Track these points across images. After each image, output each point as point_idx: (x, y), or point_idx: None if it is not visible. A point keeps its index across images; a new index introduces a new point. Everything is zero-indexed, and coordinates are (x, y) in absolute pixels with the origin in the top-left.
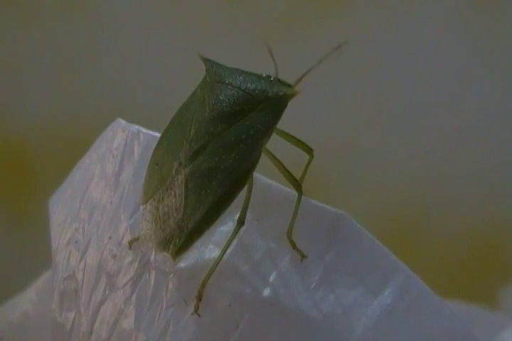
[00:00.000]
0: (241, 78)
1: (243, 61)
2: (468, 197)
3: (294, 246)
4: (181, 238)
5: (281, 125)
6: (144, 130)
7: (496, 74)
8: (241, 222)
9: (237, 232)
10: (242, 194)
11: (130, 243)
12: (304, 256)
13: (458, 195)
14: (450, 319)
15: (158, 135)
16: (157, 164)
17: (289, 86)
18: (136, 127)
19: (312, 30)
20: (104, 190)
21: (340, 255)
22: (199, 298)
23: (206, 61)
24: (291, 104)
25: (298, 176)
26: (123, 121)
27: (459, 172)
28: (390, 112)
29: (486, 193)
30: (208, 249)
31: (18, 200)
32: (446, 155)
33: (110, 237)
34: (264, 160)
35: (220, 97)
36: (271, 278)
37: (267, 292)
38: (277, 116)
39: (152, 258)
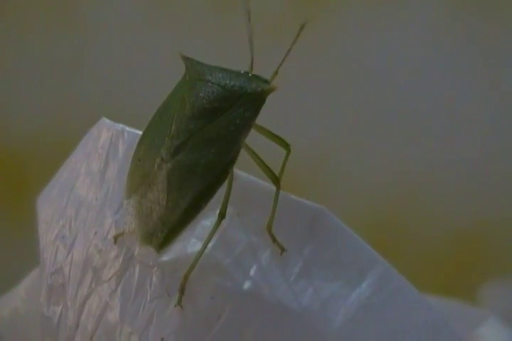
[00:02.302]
0: (220, 75)
1: (232, 65)
2: (452, 195)
3: (274, 239)
4: (164, 232)
5: (264, 124)
6: (128, 128)
7: (481, 77)
8: (222, 215)
9: (218, 225)
10: (223, 188)
11: (115, 238)
12: (283, 250)
13: (441, 193)
14: (427, 311)
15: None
16: (139, 160)
17: (266, 82)
18: (120, 126)
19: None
20: (90, 187)
21: (319, 248)
22: (182, 290)
23: (186, 59)
24: (277, 103)
25: (277, 172)
26: (108, 120)
27: (443, 172)
28: (376, 113)
29: (469, 192)
30: (190, 243)
31: (7, 199)
32: (431, 156)
33: (96, 233)
34: (244, 155)
35: (200, 94)
36: (252, 272)
37: (247, 285)
38: (256, 112)
39: (136, 252)
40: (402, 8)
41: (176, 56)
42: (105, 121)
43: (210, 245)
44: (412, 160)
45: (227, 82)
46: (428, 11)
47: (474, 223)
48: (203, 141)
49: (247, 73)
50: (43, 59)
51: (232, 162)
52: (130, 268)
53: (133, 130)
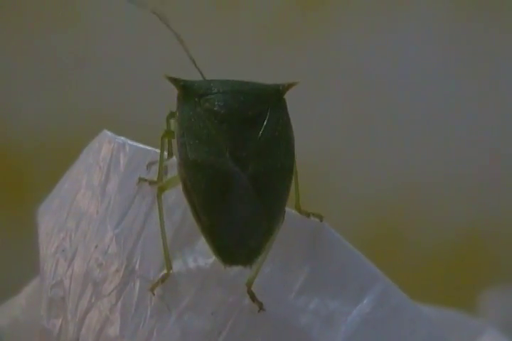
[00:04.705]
0: (234, 84)
1: (232, 63)
2: (449, 204)
3: (253, 298)
4: (265, 241)
5: None
6: (130, 142)
7: (479, 80)
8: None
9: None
10: None
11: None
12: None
13: (438, 202)
14: (429, 328)
15: (143, 147)
16: (205, 184)
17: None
18: (122, 139)
19: (298, 39)
20: (91, 200)
21: (320, 265)
22: (253, 298)
23: (175, 80)
24: None
25: None
26: (109, 133)
27: (440, 180)
28: (374, 121)
29: (466, 201)
30: (191, 257)
31: (9, 208)
32: (428, 166)
33: (96, 246)
34: None
35: (235, 106)
36: (253, 287)
37: (248, 301)
38: (286, 109)
39: (137, 266)
40: (401, 9)
41: (175, 58)
42: (107, 133)
43: (211, 261)
44: (410, 170)
45: (246, 88)
46: (427, 13)
47: (471, 233)
48: (268, 145)
49: (239, 80)
50: (50, 64)
51: (294, 159)
52: (130, 283)
53: (134, 143)
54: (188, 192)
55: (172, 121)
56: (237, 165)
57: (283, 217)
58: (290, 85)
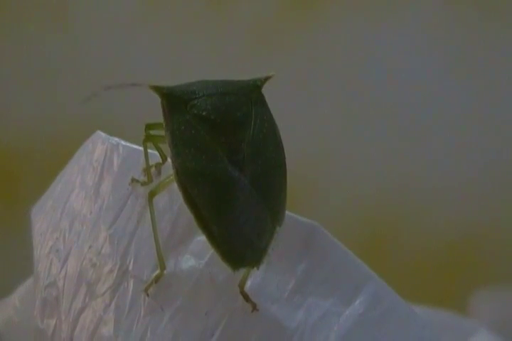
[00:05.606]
0: (217, 85)
1: (228, 60)
2: (441, 206)
3: (247, 298)
4: (271, 241)
5: None
6: (123, 142)
7: (471, 84)
8: None
9: None
10: None
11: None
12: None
13: (431, 204)
14: (421, 329)
15: (136, 147)
16: (210, 192)
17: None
18: (115, 139)
19: (290, 42)
20: (85, 201)
21: (313, 265)
22: (246, 298)
23: (158, 88)
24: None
25: None
26: (102, 134)
27: (431, 181)
28: (369, 121)
29: (458, 201)
30: (184, 258)
31: (2, 208)
32: (422, 168)
33: (90, 247)
34: None
35: (222, 108)
36: (246, 287)
37: (242, 301)
38: (266, 103)
39: (130, 267)
40: (397, 9)
41: (174, 67)
42: (100, 134)
43: (204, 261)
44: (403, 173)
45: (231, 88)
46: (423, 11)
47: (463, 235)
48: (260, 145)
49: (219, 80)
50: (43, 64)
51: (284, 153)
52: (124, 283)
53: (128, 144)
54: (190, 202)
55: (151, 133)
56: (236, 169)
57: (284, 214)
58: (267, 78)
